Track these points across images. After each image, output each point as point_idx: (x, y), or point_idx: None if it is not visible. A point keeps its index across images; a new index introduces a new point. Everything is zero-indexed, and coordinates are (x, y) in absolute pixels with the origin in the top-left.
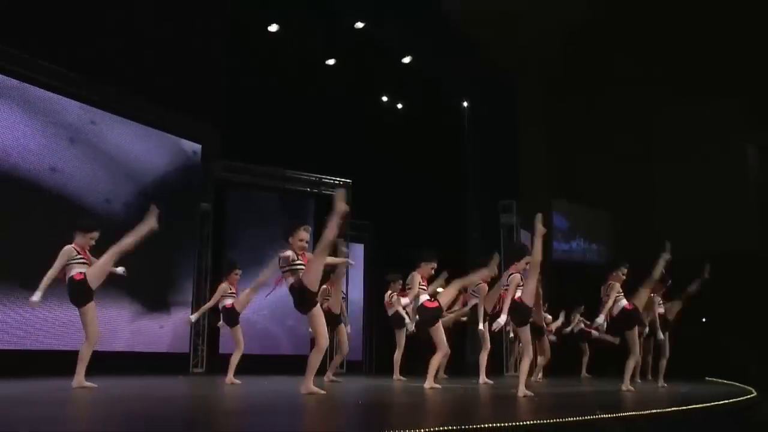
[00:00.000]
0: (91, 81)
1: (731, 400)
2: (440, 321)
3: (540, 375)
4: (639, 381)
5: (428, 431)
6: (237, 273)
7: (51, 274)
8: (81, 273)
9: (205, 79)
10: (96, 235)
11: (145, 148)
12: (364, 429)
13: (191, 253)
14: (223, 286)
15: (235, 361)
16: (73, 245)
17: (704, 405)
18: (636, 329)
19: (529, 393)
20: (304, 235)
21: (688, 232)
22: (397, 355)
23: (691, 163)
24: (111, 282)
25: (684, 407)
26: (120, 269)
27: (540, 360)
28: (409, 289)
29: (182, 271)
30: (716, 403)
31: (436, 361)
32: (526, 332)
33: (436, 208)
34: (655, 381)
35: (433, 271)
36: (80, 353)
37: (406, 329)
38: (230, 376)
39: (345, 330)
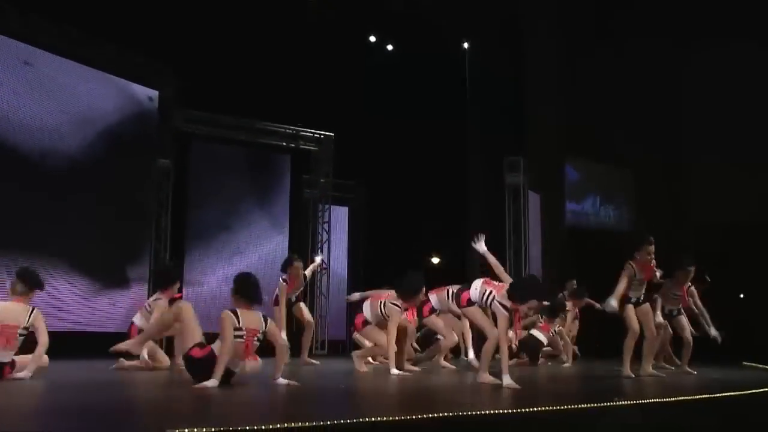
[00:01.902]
0: (25, 13)
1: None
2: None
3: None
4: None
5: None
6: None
7: None
8: None
9: (162, 13)
10: None
11: (91, 94)
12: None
13: (148, 218)
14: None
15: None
16: None
17: (737, 393)
18: (630, 308)
19: (491, 379)
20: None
21: (720, 196)
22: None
23: (725, 118)
24: (58, 254)
25: (714, 395)
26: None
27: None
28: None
29: (138, 238)
30: (751, 391)
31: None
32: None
33: (432, 166)
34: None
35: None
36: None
37: None
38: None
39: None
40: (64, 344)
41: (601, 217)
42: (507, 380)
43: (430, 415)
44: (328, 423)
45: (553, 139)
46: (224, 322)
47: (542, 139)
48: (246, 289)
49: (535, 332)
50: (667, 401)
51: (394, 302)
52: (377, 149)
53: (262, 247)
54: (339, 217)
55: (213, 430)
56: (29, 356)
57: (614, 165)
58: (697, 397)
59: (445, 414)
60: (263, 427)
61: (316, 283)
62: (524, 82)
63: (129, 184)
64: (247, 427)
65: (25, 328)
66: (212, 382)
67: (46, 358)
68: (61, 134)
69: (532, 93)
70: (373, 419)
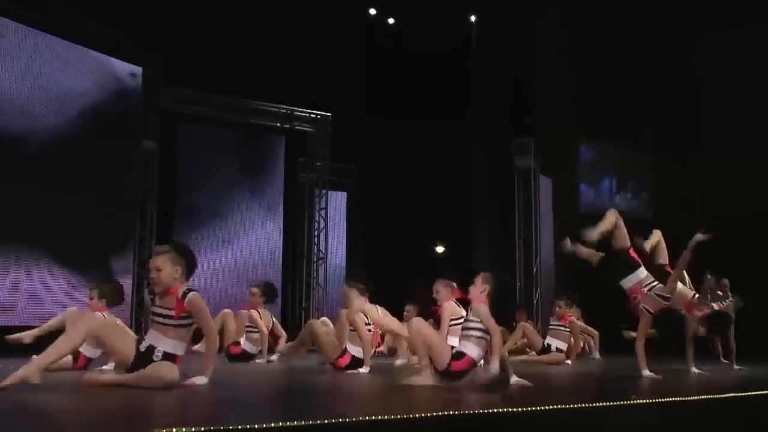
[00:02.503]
0: None
1: None
2: None
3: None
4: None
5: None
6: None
7: None
8: None
9: None
10: None
11: (68, 70)
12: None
13: (132, 204)
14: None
15: None
16: None
17: (762, 392)
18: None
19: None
20: None
21: (747, 182)
22: None
23: (748, 102)
24: (35, 244)
25: (740, 394)
26: None
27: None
28: None
29: (122, 227)
30: None
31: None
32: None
33: (435, 148)
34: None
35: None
36: None
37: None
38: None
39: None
40: (43, 340)
41: (617, 204)
42: (514, 378)
43: (435, 414)
44: (324, 422)
45: (565, 120)
46: (206, 310)
47: (555, 119)
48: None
49: (550, 340)
50: (686, 400)
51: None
52: (377, 131)
53: (255, 235)
54: (337, 203)
55: (203, 429)
56: None
57: (631, 148)
58: (721, 396)
59: (451, 413)
60: (256, 426)
61: (312, 273)
62: (533, 59)
63: (111, 168)
64: (239, 426)
65: None
66: (202, 379)
67: None
68: (36, 114)
69: (544, 70)
70: (371, 418)
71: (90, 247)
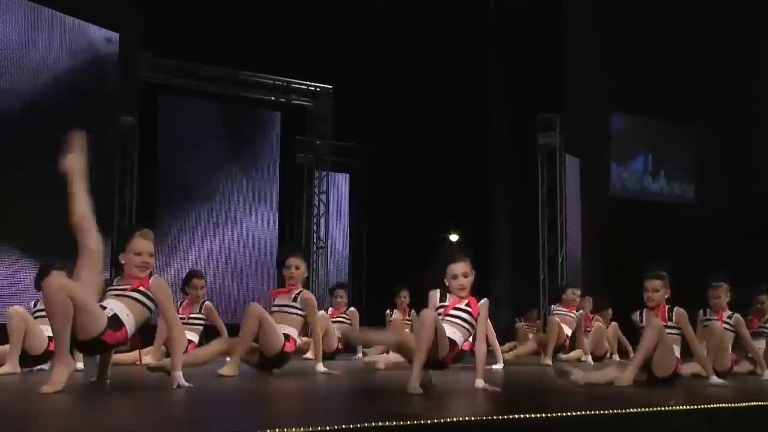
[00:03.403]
0: None
1: None
2: None
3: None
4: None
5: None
6: None
7: None
8: None
9: None
10: None
11: (35, 37)
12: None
13: (109, 186)
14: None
15: None
16: None
17: None
18: None
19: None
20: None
21: None
22: None
23: None
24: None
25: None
26: None
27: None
28: None
29: (97, 212)
30: None
31: None
32: None
33: (449, 124)
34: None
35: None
36: None
37: None
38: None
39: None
40: None
41: (652, 184)
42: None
43: (450, 419)
44: (327, 428)
45: (595, 92)
46: (170, 296)
47: (582, 93)
48: None
49: None
50: (726, 407)
51: None
52: (384, 105)
53: (247, 221)
54: (338, 185)
55: None
56: None
57: (671, 122)
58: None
59: (466, 418)
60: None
61: (312, 264)
62: (561, 21)
63: (85, 146)
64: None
65: None
66: (178, 378)
67: None
68: None
69: (571, 37)
70: (383, 424)
71: (61, 236)
